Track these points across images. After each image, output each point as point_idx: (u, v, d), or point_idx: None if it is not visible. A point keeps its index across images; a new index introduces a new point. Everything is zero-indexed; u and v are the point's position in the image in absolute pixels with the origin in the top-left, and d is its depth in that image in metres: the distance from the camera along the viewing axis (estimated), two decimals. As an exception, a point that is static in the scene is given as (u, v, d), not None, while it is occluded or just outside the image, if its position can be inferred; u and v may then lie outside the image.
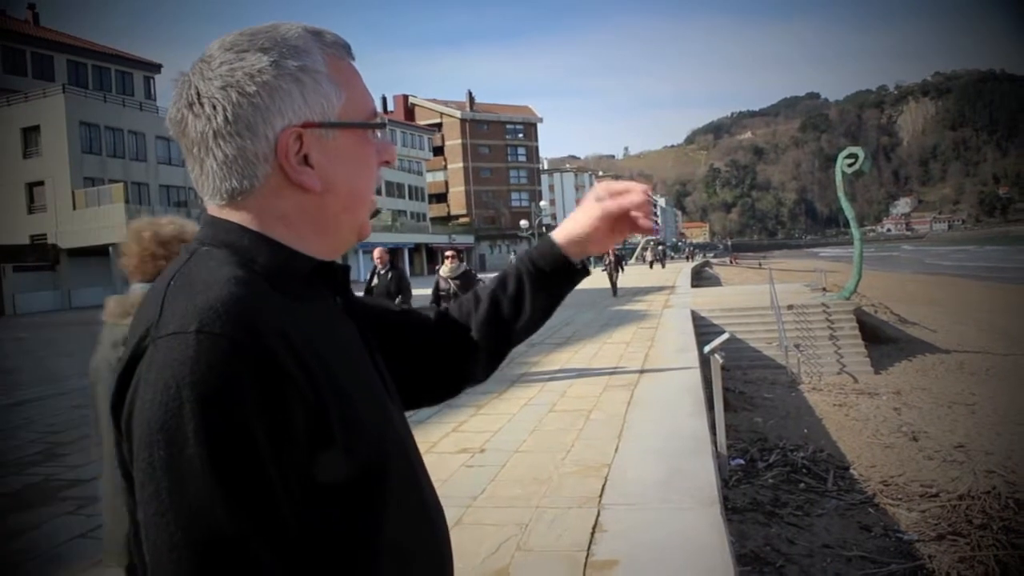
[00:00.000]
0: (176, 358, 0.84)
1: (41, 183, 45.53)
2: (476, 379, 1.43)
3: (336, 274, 1.11)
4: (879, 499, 8.82)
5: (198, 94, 1.00)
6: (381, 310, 1.35)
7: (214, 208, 1.04)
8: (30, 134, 45.90)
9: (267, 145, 1.00)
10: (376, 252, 10.07)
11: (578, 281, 1.41)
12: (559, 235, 1.36)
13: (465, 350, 1.37)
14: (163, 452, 0.83)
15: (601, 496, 5.60)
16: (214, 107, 0.99)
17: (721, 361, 8.30)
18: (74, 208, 43.94)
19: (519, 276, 1.37)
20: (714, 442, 7.45)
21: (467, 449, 7.03)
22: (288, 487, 0.87)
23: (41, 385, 12.93)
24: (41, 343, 22.00)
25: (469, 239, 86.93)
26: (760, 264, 73.48)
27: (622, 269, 31.96)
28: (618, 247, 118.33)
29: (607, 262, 30.49)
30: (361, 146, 1.08)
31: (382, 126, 1.11)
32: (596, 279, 26.69)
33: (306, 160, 1.02)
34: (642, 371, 11.10)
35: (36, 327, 29.40)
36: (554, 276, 1.37)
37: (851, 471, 9.94)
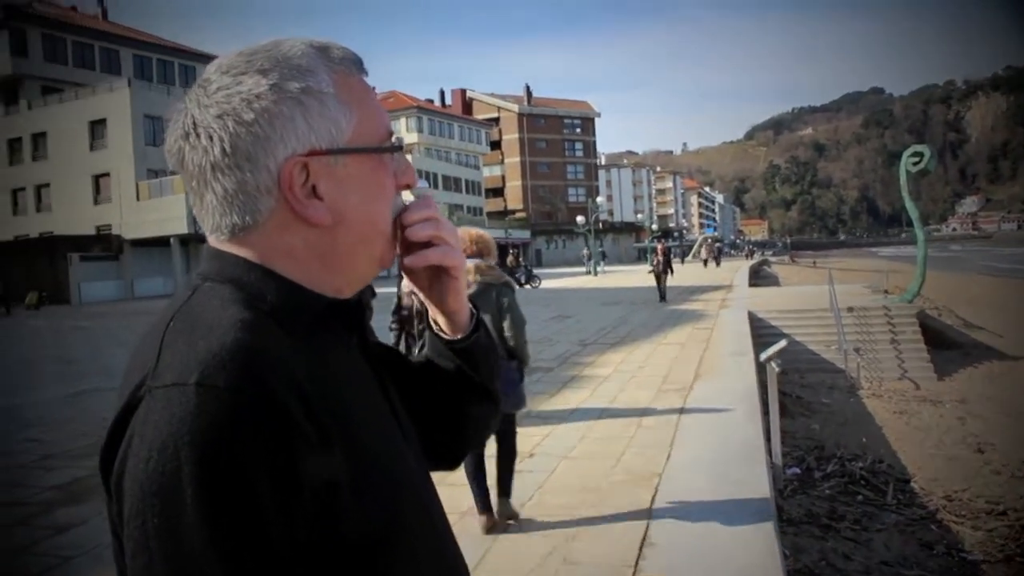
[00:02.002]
0: (175, 413, 0.77)
1: (106, 175, 46.49)
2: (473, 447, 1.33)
3: (351, 313, 1.01)
4: (942, 515, 8.51)
5: (194, 123, 0.91)
6: (399, 354, 1.23)
7: (217, 241, 0.96)
8: (97, 127, 46.95)
9: (269, 177, 0.91)
10: (459, 235, 8.20)
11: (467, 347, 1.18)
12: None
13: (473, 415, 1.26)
14: (158, 520, 0.75)
15: (651, 507, 5.48)
16: (210, 138, 0.90)
17: (778, 369, 8.08)
18: (137, 199, 44.78)
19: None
20: (769, 450, 7.26)
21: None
22: (295, 557, 0.79)
23: (99, 376, 13.08)
24: (103, 333, 22.40)
25: (526, 234, 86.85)
26: (815, 263, 72.03)
27: (671, 270, 27.09)
28: (672, 242, 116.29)
29: (654, 261, 27.00)
30: (375, 171, 0.98)
31: (397, 149, 1.01)
32: (651, 278, 26.41)
33: (314, 191, 0.93)
34: (696, 374, 10.94)
35: (99, 316, 30.00)
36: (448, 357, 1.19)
37: (912, 484, 9.61)
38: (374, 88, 1.04)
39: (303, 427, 0.80)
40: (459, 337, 1.17)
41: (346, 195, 0.95)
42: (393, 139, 1.01)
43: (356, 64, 1.00)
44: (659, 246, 27.16)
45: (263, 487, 0.76)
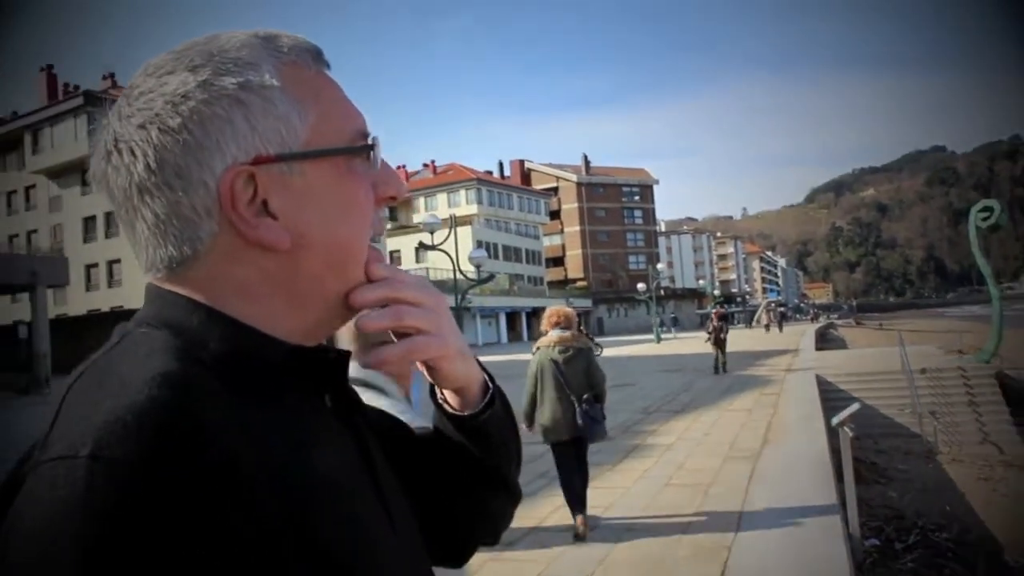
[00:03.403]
0: (58, 496, 0.58)
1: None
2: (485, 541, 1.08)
3: (321, 363, 0.80)
4: (1037, 588, 7.96)
5: (115, 139, 0.74)
6: (397, 421, 1.02)
7: (156, 279, 0.77)
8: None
9: (207, 195, 0.72)
10: (549, 312, 7.31)
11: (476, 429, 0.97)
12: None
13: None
14: None
15: (720, 584, 5.16)
16: (132, 153, 0.73)
17: (851, 434, 7.71)
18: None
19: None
20: (845, 521, 6.87)
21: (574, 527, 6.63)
22: None
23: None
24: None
25: (587, 303, 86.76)
26: (881, 325, 70.23)
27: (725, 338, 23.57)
28: (735, 307, 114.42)
29: (710, 328, 24.03)
30: (343, 180, 0.79)
31: (366, 149, 0.81)
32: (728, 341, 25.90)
33: (265, 208, 0.74)
34: (765, 441, 10.60)
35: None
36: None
37: (1005, 557, 9.03)
38: (338, 84, 0.84)
39: (231, 517, 0.61)
40: (467, 413, 0.95)
41: (306, 211, 0.76)
42: (367, 140, 0.82)
43: (312, 55, 0.81)
44: (714, 312, 24.99)
45: None
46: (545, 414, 6.66)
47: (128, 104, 0.74)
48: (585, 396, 6.53)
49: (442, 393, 0.97)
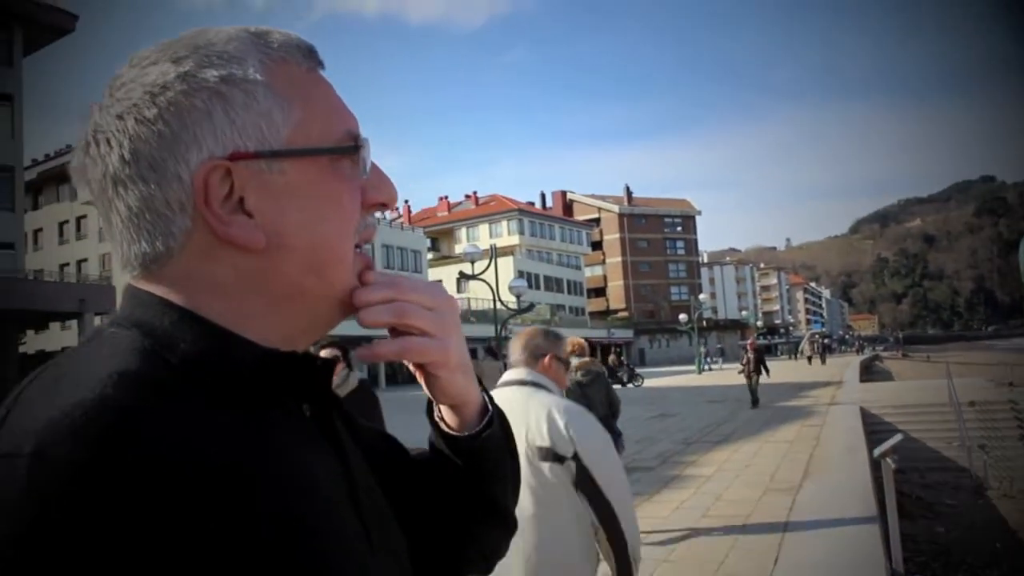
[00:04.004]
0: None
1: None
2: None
3: (301, 369, 0.76)
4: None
5: (95, 130, 0.73)
6: (389, 437, 0.99)
7: (133, 278, 0.75)
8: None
9: (182, 189, 0.70)
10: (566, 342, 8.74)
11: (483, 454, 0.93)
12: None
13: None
14: None
15: (757, 618, 5.05)
16: (109, 143, 0.71)
17: (894, 466, 7.54)
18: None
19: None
20: (888, 556, 6.71)
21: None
22: None
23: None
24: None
25: (628, 333, 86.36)
26: (928, 357, 68.88)
27: (765, 371, 22.61)
28: (778, 338, 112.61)
29: (744, 360, 22.82)
30: (327, 181, 0.76)
31: (351, 151, 0.78)
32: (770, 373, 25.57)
33: (241, 205, 0.72)
34: (806, 473, 10.42)
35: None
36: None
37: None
38: (331, 86, 0.82)
39: (177, 520, 0.59)
40: (464, 434, 0.91)
41: (285, 210, 0.73)
42: (355, 141, 0.78)
43: (304, 52, 0.79)
44: (749, 343, 23.74)
45: None
46: None
47: (110, 95, 0.73)
48: (603, 414, 6.87)
49: (439, 409, 0.93)
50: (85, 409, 0.59)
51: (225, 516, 0.61)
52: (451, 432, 0.92)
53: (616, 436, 6.89)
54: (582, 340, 7.62)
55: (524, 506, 2.47)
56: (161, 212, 0.71)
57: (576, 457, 2.79)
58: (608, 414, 7.14)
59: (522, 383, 3.09)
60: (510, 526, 1.01)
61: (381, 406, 4.65)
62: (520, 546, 2.64)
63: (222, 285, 0.73)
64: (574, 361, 7.13)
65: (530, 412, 2.91)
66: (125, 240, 0.73)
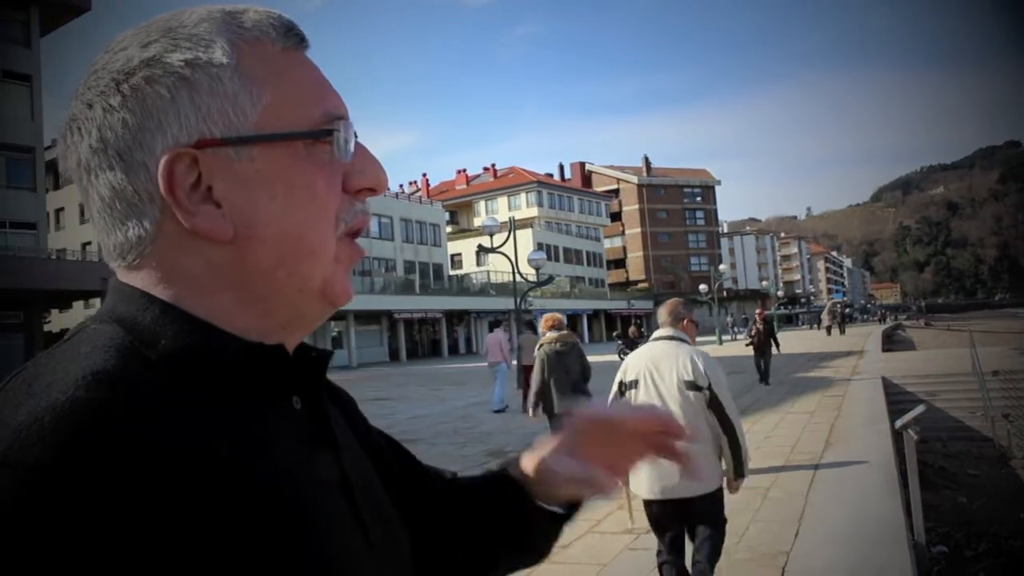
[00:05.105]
0: None
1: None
2: None
3: (287, 362, 0.74)
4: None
5: (71, 119, 0.72)
6: (393, 442, 1.01)
7: (118, 269, 0.75)
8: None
9: (148, 178, 0.69)
10: (546, 317, 9.61)
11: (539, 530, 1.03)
12: (527, 464, 1.01)
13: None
14: None
15: (777, 590, 5.06)
16: (79, 132, 0.71)
17: (916, 437, 7.51)
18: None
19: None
20: (910, 527, 6.70)
21: (632, 530, 6.55)
22: None
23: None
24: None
25: (648, 304, 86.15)
26: (949, 326, 68.25)
27: (775, 343, 21.67)
28: (799, 308, 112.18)
29: (752, 332, 21.40)
30: (301, 168, 0.72)
31: (323, 134, 0.74)
32: (789, 344, 25.43)
33: (210, 195, 0.70)
34: (827, 444, 10.39)
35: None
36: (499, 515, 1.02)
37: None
38: (315, 66, 0.79)
39: (155, 524, 0.57)
40: (560, 511, 1.01)
41: (254, 199, 0.71)
42: (333, 124, 0.74)
43: (280, 30, 0.75)
44: (758, 313, 22.14)
45: None
46: (548, 394, 8.67)
47: (84, 82, 0.72)
48: (576, 379, 8.60)
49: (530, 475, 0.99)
50: (55, 412, 0.58)
51: (201, 515, 0.60)
52: (552, 508, 1.00)
53: (588, 396, 8.15)
54: (560, 316, 9.29)
55: (679, 416, 3.89)
56: (132, 202, 0.70)
57: (709, 388, 4.37)
58: (580, 379, 8.61)
59: (670, 338, 4.72)
60: (541, 559, 1.06)
61: None
62: None
63: (196, 278, 0.71)
64: (551, 334, 8.91)
65: (679, 357, 4.51)
66: (103, 229, 0.73)
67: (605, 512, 7.22)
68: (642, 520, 5.59)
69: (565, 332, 8.78)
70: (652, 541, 6.28)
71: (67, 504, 0.55)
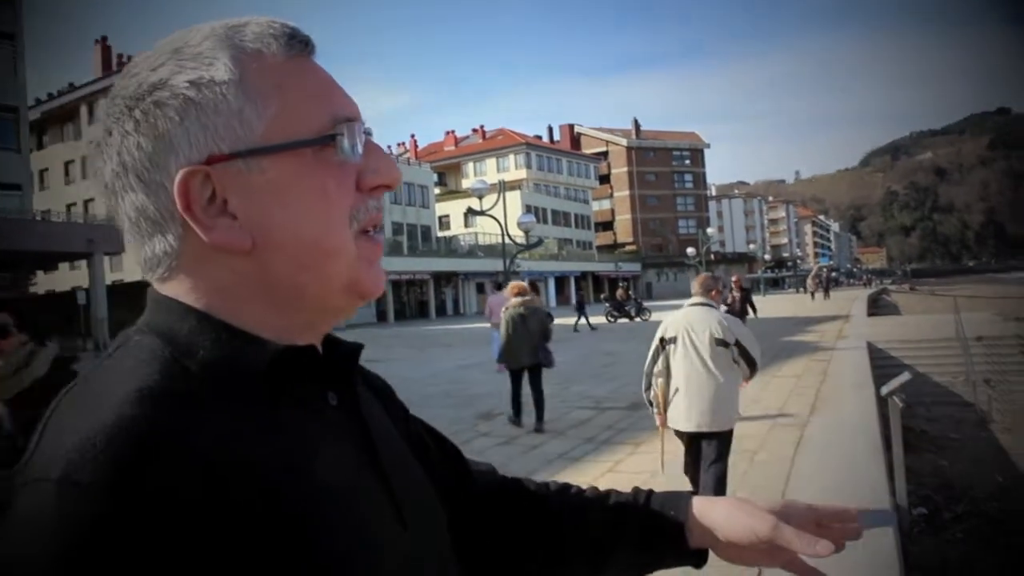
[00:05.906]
0: (31, 519, 0.58)
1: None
2: None
3: (319, 360, 0.78)
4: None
5: (95, 143, 0.76)
6: (438, 435, 1.07)
7: (154, 281, 0.78)
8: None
9: (168, 197, 0.72)
10: (511, 285, 10.81)
11: (673, 565, 1.08)
12: (699, 506, 1.06)
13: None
14: None
15: (764, 552, 5.14)
16: (103, 157, 0.75)
17: (901, 405, 7.59)
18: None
19: (620, 515, 1.10)
20: (893, 491, 6.80)
21: (657, 473, 6.73)
22: None
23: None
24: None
25: (636, 267, 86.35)
26: (933, 291, 68.45)
27: (752, 309, 21.85)
28: (786, 271, 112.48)
29: (728, 299, 19.44)
30: (311, 173, 0.74)
31: (326, 140, 0.75)
32: (776, 307, 25.57)
33: (226, 208, 0.73)
34: (813, 408, 10.49)
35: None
36: (658, 542, 1.07)
37: (1059, 527, 8.85)
38: (322, 70, 0.80)
39: (213, 535, 0.60)
40: (696, 549, 1.06)
41: (269, 209, 0.73)
42: (337, 128, 0.76)
43: (282, 40, 0.77)
44: (734, 280, 21.08)
45: None
46: (513, 350, 10.06)
47: (104, 108, 0.75)
48: (537, 341, 10.00)
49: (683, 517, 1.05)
50: (106, 431, 0.61)
51: (256, 519, 0.63)
52: (687, 545, 1.05)
53: (547, 353, 10.07)
54: (524, 284, 10.82)
55: (711, 368, 5.66)
56: (155, 220, 0.74)
57: (737, 343, 5.68)
58: (541, 340, 10.00)
59: (703, 304, 5.94)
60: None
61: None
62: (711, 386, 5.66)
63: (227, 287, 0.75)
64: (516, 299, 10.22)
65: (711, 320, 5.76)
66: (135, 245, 0.76)
67: (598, 472, 7.32)
68: (671, 468, 6.40)
69: (528, 298, 10.28)
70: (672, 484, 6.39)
71: (126, 519, 0.57)
